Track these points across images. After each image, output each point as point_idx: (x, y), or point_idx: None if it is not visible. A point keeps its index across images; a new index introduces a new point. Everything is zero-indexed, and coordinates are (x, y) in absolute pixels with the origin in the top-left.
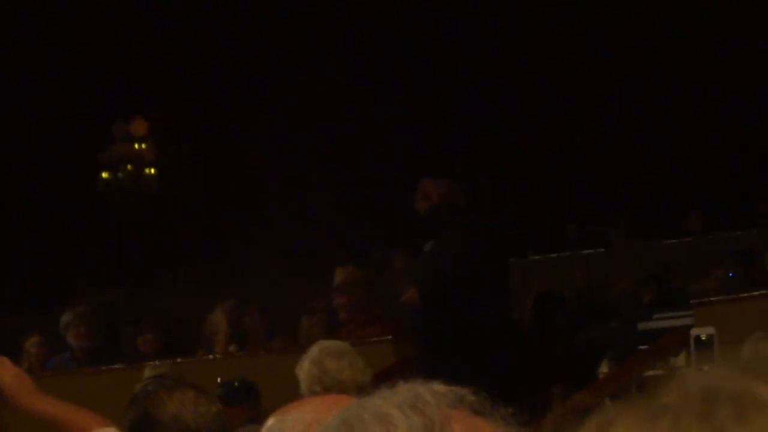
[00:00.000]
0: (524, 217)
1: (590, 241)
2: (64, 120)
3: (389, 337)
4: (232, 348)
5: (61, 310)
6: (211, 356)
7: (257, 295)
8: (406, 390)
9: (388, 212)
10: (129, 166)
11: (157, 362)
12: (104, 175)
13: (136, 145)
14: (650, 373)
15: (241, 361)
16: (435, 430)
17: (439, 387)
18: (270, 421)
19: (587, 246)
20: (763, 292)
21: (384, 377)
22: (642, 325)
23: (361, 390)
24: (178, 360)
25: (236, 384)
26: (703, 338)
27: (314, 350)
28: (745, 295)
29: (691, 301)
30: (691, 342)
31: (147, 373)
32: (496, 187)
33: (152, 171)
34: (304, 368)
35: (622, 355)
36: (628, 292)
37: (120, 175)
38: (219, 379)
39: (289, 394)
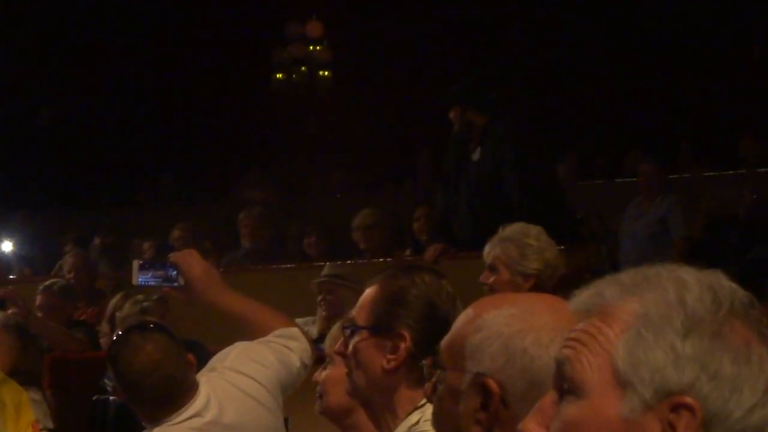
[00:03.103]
0: (697, 132)
1: (764, 158)
2: (240, 19)
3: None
4: (407, 252)
5: (219, 205)
6: (380, 259)
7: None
8: (708, 271)
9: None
10: (303, 68)
11: (338, 262)
12: (278, 75)
13: (311, 47)
14: None
15: (410, 264)
16: (719, 314)
17: (736, 285)
18: (469, 312)
19: (761, 163)
20: None
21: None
22: None
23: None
24: (348, 262)
25: None
26: None
27: (513, 230)
28: None
29: None
30: None
31: (326, 270)
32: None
33: (326, 73)
34: (507, 247)
35: None
36: None
37: (294, 76)
38: None
39: (461, 297)
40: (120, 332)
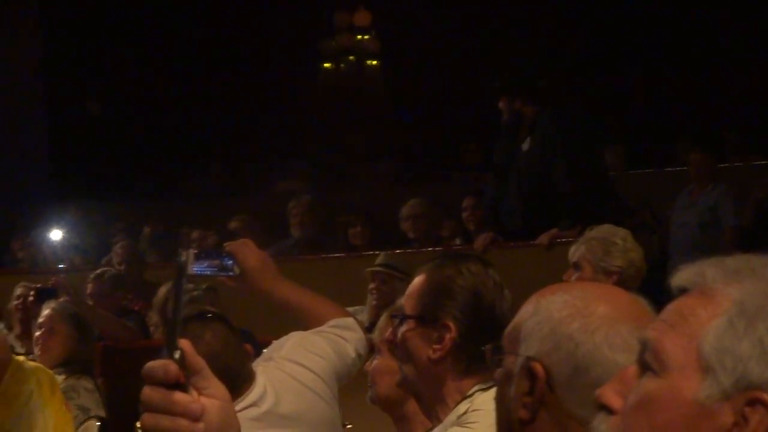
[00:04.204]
0: (747, 121)
1: None
2: (287, 8)
3: None
4: (456, 241)
5: (266, 196)
6: (429, 248)
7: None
8: None
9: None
10: (351, 57)
11: (389, 252)
12: (326, 65)
13: (359, 36)
14: None
15: (457, 252)
16: None
17: None
18: (532, 299)
19: None
20: None
21: None
22: None
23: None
24: (398, 251)
25: None
26: None
27: (601, 230)
28: None
29: None
30: None
31: (379, 260)
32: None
33: (374, 63)
34: (593, 245)
35: None
36: None
37: (342, 66)
38: None
39: (510, 286)
40: None
